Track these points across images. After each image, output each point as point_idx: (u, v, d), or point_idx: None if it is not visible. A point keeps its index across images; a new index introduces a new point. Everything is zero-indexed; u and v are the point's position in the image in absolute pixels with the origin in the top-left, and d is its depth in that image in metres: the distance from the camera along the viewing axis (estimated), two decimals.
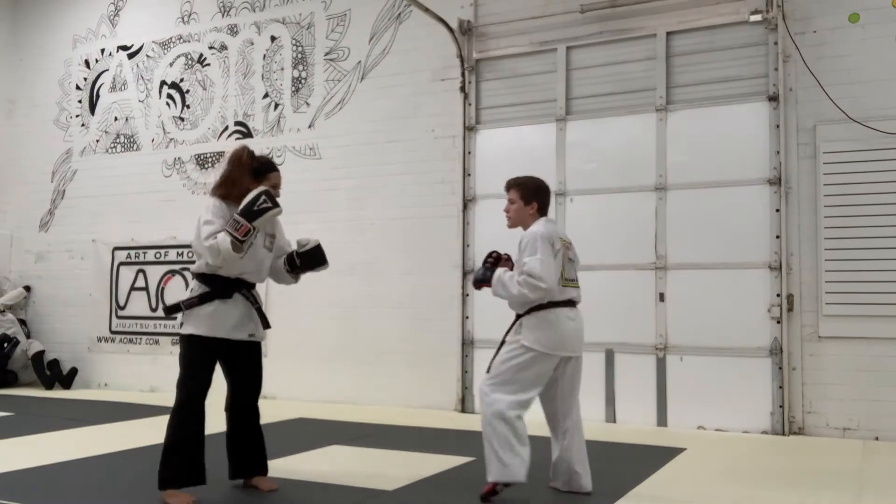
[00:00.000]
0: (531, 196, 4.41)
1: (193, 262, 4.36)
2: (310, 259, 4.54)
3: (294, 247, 4.60)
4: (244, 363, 4.39)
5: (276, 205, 4.15)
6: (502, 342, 4.38)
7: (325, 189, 8.59)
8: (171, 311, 4.28)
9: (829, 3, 6.71)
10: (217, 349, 4.24)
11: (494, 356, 4.39)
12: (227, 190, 4.27)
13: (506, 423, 4.19)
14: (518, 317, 4.34)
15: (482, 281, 4.39)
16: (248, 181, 4.27)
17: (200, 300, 4.19)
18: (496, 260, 4.46)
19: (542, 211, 4.46)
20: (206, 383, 4.24)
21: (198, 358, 4.21)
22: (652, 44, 7.29)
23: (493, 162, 7.79)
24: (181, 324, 4.24)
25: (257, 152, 4.59)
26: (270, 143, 8.98)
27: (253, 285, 4.38)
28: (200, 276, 4.25)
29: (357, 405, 7.96)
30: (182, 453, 4.13)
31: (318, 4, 8.86)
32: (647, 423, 6.96)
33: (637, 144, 7.24)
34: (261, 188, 4.19)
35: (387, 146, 8.33)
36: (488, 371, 4.37)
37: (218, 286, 4.21)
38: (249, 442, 4.45)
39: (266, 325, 4.42)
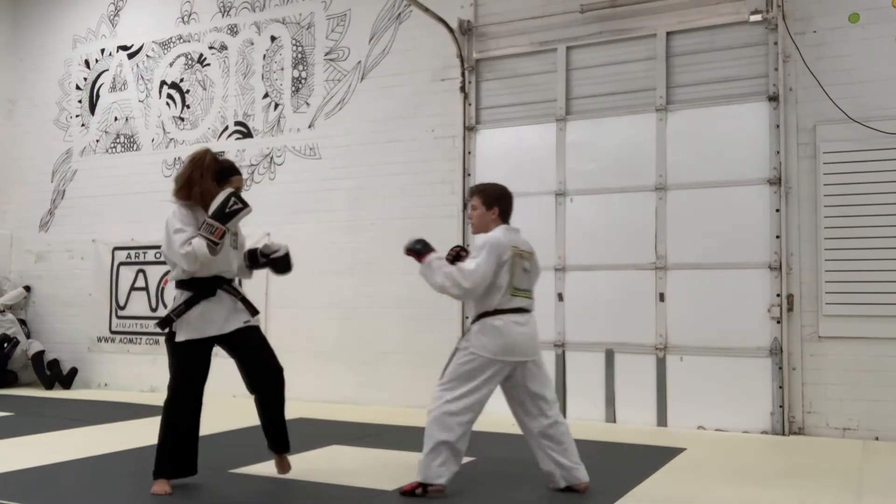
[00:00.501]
0: (492, 202, 4.51)
1: None
2: (277, 264, 4.76)
3: (257, 246, 4.85)
4: (248, 347, 4.52)
5: (246, 205, 4.31)
6: (455, 349, 4.50)
7: (325, 189, 8.59)
8: (164, 324, 4.40)
9: (829, 3, 6.71)
10: (210, 348, 4.40)
11: (448, 363, 4.49)
12: (189, 191, 4.38)
13: (447, 430, 4.31)
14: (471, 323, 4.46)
15: (414, 251, 4.42)
16: (209, 183, 4.39)
17: (187, 306, 4.33)
18: (457, 255, 4.55)
19: (504, 217, 4.56)
20: (203, 382, 4.42)
21: (193, 362, 4.38)
22: (652, 44, 7.29)
23: (493, 162, 7.79)
24: (173, 333, 4.36)
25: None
26: (270, 143, 8.98)
27: (231, 280, 4.55)
28: (181, 284, 4.39)
29: (357, 405, 7.96)
30: (176, 448, 4.37)
31: (318, 4, 8.86)
32: (647, 423, 6.96)
33: (637, 144, 7.24)
34: (228, 190, 4.32)
35: (387, 146, 8.33)
36: (441, 377, 4.49)
37: (201, 288, 4.36)
38: (274, 415, 4.64)
39: (254, 311, 4.59)
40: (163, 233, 4.39)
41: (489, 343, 4.35)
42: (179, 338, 4.32)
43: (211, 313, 4.35)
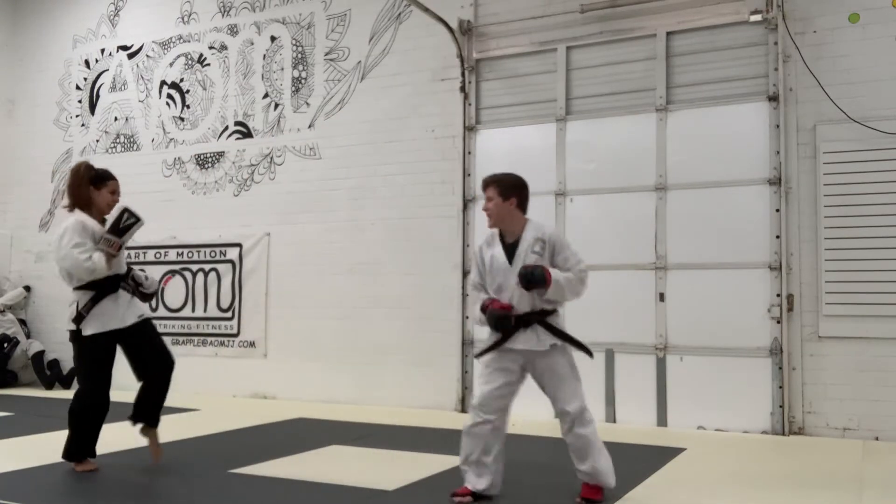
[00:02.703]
0: (510, 192, 4.31)
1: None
2: (143, 297, 5.09)
3: (134, 271, 5.19)
4: (145, 338, 4.93)
5: (139, 219, 4.76)
6: (552, 354, 4.26)
7: (325, 189, 8.59)
8: (77, 321, 4.82)
9: (829, 3, 6.71)
10: (114, 340, 4.82)
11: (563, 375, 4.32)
12: (72, 200, 4.89)
13: (464, 435, 4.22)
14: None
15: (538, 282, 4.06)
16: (87, 190, 4.88)
17: (94, 302, 4.77)
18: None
19: (522, 207, 4.37)
20: (110, 377, 4.84)
21: (101, 355, 4.78)
22: (652, 44, 7.29)
23: (493, 162, 7.76)
24: (78, 329, 4.78)
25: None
26: (270, 143, 8.98)
27: (124, 277, 4.94)
28: (83, 287, 4.80)
29: (357, 405, 7.95)
30: (85, 436, 4.82)
31: (318, 4, 8.86)
32: (647, 423, 6.96)
33: (637, 144, 7.24)
34: (122, 206, 4.80)
35: (387, 146, 8.32)
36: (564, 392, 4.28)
37: (103, 287, 4.79)
38: (156, 396, 4.97)
39: (146, 299, 5.10)
40: (56, 243, 4.79)
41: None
42: (87, 332, 4.74)
43: (113, 309, 4.79)
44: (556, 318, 4.29)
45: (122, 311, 4.83)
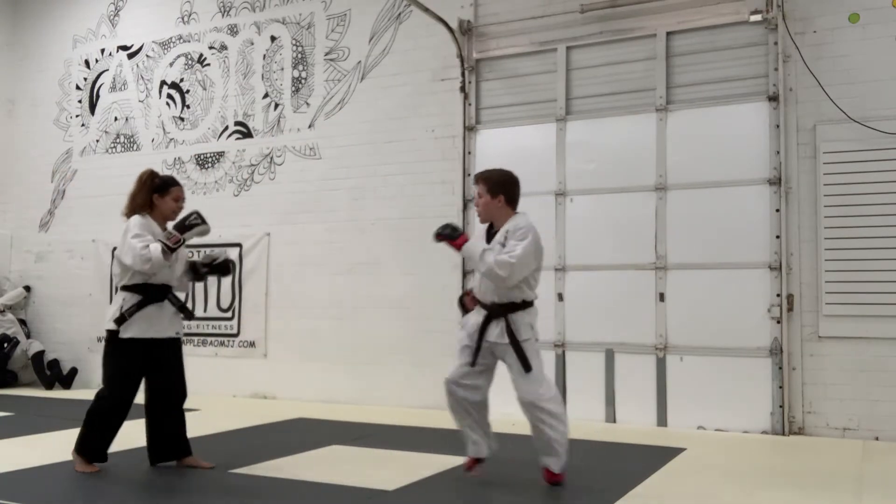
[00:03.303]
0: (498, 189, 4.42)
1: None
2: (219, 269, 5.12)
3: (196, 258, 5.25)
4: (170, 359, 4.89)
5: (204, 222, 4.73)
6: (514, 342, 4.40)
7: (325, 189, 8.59)
8: (119, 322, 4.72)
9: (829, 3, 6.71)
10: (148, 348, 4.75)
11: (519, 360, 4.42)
12: (132, 207, 4.83)
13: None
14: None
15: (444, 236, 4.40)
16: (149, 197, 4.84)
17: (139, 307, 4.72)
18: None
19: (512, 203, 4.47)
20: (138, 383, 4.78)
21: (132, 361, 4.72)
22: (652, 44, 7.29)
23: (493, 162, 7.68)
24: (116, 330, 4.70)
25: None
26: (270, 143, 8.99)
27: (172, 289, 4.92)
28: (132, 288, 4.76)
29: (357, 405, 7.96)
30: (98, 437, 4.76)
31: (318, 4, 8.86)
32: (647, 423, 6.96)
33: (637, 144, 7.24)
34: (194, 210, 4.79)
35: (387, 146, 8.32)
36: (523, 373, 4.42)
37: (151, 293, 4.77)
38: (172, 426, 4.93)
39: (190, 316, 5.10)
40: (119, 239, 4.76)
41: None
42: (124, 335, 4.68)
43: (157, 317, 4.76)
44: (524, 313, 4.43)
45: (164, 323, 4.80)
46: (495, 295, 4.40)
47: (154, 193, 4.84)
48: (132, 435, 5.26)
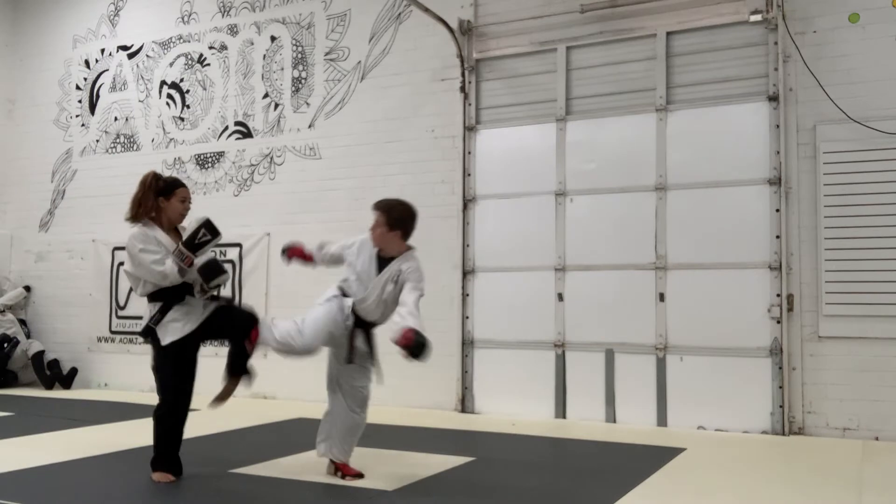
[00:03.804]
0: (397, 225, 4.71)
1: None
2: (207, 273, 4.74)
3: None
4: (221, 316, 4.83)
5: (215, 235, 4.63)
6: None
7: (325, 189, 8.59)
8: (145, 334, 4.72)
9: (829, 3, 6.71)
10: (195, 346, 4.73)
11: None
12: (139, 211, 4.69)
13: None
14: None
15: (416, 349, 4.42)
16: (154, 201, 4.71)
17: (162, 313, 4.63)
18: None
19: (406, 238, 4.80)
20: (193, 380, 4.79)
21: (181, 362, 4.67)
22: (652, 44, 7.29)
23: (493, 162, 7.80)
24: (156, 339, 4.64)
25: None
26: (270, 143, 8.98)
27: (192, 287, 4.75)
28: (151, 296, 4.67)
29: None
30: (164, 444, 4.68)
31: (318, 4, 8.86)
32: (647, 423, 6.96)
33: (637, 144, 7.24)
34: (201, 218, 4.63)
35: (387, 146, 8.32)
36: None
37: (171, 295, 4.64)
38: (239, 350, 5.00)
39: (215, 298, 4.88)
40: (126, 258, 4.67)
41: None
42: (165, 341, 4.60)
43: (185, 314, 4.65)
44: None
45: (196, 314, 4.68)
46: (379, 315, 4.81)
47: (159, 196, 4.71)
48: (132, 434, 5.27)
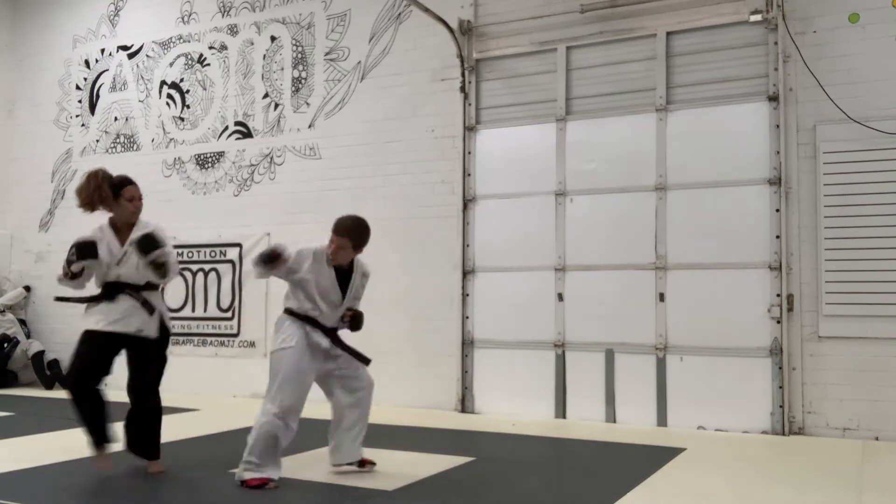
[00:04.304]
0: (361, 245, 4.90)
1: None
2: (143, 245, 4.80)
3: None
4: (137, 355, 4.85)
5: (83, 257, 4.67)
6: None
7: (325, 189, 8.58)
8: (61, 299, 5.03)
9: (829, 3, 6.71)
10: (107, 343, 4.75)
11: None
12: (92, 202, 4.77)
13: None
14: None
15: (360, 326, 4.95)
16: (102, 198, 4.77)
17: (94, 300, 4.82)
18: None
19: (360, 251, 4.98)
20: (86, 369, 4.81)
21: (87, 347, 4.77)
22: (652, 44, 7.29)
23: (493, 162, 7.80)
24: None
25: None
26: (270, 143, 8.99)
27: (138, 287, 4.81)
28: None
29: None
30: (89, 426, 4.80)
31: (318, 4, 8.86)
32: (647, 423, 6.96)
33: (637, 144, 7.24)
34: (84, 237, 4.76)
35: (387, 146, 8.33)
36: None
37: (104, 290, 4.81)
38: (141, 426, 4.89)
39: (148, 318, 4.79)
40: None
41: None
42: (84, 325, 4.78)
43: (106, 311, 4.74)
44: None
45: (115, 317, 4.73)
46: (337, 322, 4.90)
47: (111, 197, 4.80)
48: None
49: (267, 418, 4.55)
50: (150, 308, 4.80)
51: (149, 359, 4.86)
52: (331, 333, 4.82)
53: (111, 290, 4.78)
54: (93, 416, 4.81)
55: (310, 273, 4.75)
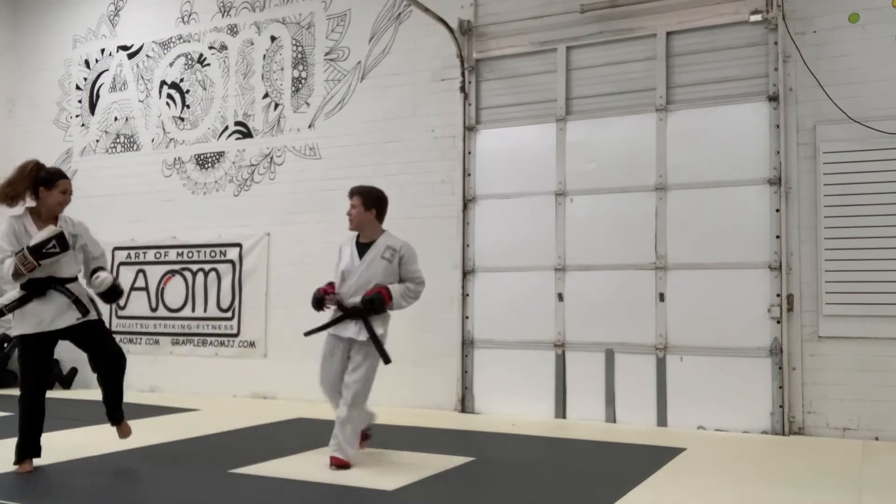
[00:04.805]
0: (371, 204, 5.11)
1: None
2: (107, 296, 5.04)
3: (99, 262, 5.12)
4: (89, 338, 4.91)
5: (63, 249, 4.65)
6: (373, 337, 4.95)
7: (325, 189, 8.58)
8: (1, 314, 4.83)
9: (829, 3, 6.71)
10: (50, 341, 4.79)
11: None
12: (6, 194, 4.77)
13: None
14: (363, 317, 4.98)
15: (378, 308, 4.99)
16: (35, 189, 4.80)
17: (20, 303, 4.73)
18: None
19: (380, 217, 5.20)
20: (42, 376, 4.86)
21: (33, 354, 4.75)
22: (652, 44, 7.29)
23: (493, 162, 7.80)
24: (11, 328, 4.80)
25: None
26: (270, 143, 8.99)
27: (66, 280, 4.84)
28: (17, 280, 4.70)
29: None
30: (28, 435, 4.77)
31: (318, 4, 8.86)
32: (647, 423, 6.96)
33: (637, 144, 7.24)
34: (57, 229, 4.69)
35: (387, 146, 8.33)
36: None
37: (32, 287, 4.72)
38: (110, 397, 5.03)
39: (85, 312, 4.85)
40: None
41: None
42: (15, 332, 4.76)
43: (40, 311, 4.70)
44: (380, 317, 5.09)
45: (50, 315, 4.71)
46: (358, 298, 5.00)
47: (40, 186, 4.79)
48: (132, 435, 5.26)
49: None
50: (83, 301, 4.87)
51: (100, 332, 4.97)
52: (354, 315, 4.96)
53: (40, 287, 4.72)
54: (35, 426, 4.83)
55: (339, 260, 5.20)
